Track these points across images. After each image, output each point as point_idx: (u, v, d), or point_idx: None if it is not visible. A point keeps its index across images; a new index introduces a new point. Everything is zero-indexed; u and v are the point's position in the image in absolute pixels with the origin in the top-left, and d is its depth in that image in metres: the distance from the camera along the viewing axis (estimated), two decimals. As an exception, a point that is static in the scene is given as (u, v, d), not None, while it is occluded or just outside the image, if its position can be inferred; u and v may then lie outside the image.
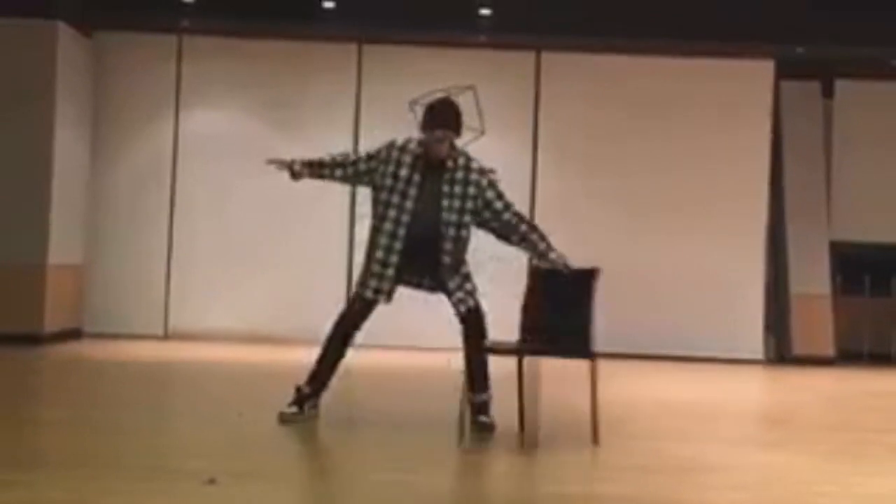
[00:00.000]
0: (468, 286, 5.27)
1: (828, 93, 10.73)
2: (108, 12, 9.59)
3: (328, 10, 9.42)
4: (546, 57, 10.30)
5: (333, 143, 10.06)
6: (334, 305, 9.87)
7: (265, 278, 10.06)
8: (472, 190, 5.19)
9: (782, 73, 10.36)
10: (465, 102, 9.99)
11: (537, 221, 10.53)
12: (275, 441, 4.96)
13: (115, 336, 9.65)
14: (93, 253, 10.02)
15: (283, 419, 5.23)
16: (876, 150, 10.60)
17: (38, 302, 8.98)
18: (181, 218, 10.21)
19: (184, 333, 9.96)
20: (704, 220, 10.16)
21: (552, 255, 5.12)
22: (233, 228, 10.15)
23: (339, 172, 5.34)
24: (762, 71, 10.28)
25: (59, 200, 9.26)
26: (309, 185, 9.76)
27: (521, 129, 10.31)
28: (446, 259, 5.18)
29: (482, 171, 5.25)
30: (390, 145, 5.28)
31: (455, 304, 5.25)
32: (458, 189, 5.18)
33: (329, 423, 5.31)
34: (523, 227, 5.25)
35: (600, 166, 10.23)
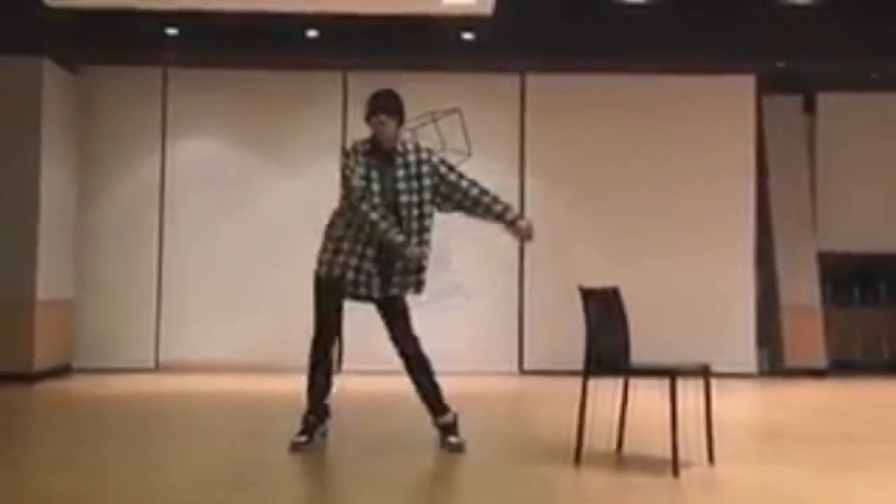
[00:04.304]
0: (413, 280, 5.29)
1: (810, 105, 10.83)
2: (93, 47, 9.59)
3: (312, 40, 9.45)
4: (530, 79, 10.36)
5: (320, 170, 10.14)
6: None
7: (256, 308, 10.04)
8: (425, 168, 5.27)
9: (764, 88, 10.44)
10: (450, 126, 10.17)
11: (527, 243, 10.57)
12: (270, 472, 4.94)
13: (106, 370, 9.60)
14: (82, 287, 9.99)
15: (294, 448, 5.25)
16: (859, 159, 10.69)
17: (28, 339, 8.92)
18: (170, 249, 10.19)
19: (175, 365, 9.93)
20: (692, 236, 10.20)
21: (511, 219, 5.30)
22: (222, 259, 10.14)
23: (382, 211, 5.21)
24: (743, 86, 10.35)
25: (46, 235, 9.24)
26: (297, 212, 9.90)
27: (508, 151, 10.35)
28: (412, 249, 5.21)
29: (431, 151, 5.38)
30: (348, 155, 5.31)
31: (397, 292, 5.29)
32: (413, 170, 5.25)
33: (326, 453, 5.29)
34: (481, 196, 5.31)
35: (587, 186, 10.28)
